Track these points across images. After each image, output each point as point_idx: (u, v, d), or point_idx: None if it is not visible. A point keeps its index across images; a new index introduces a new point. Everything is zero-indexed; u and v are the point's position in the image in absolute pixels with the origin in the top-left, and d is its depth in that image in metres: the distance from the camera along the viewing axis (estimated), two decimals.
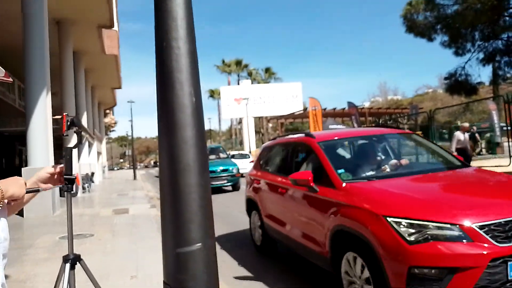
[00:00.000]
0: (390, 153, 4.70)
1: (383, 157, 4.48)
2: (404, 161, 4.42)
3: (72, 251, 2.06)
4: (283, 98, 41.71)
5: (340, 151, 4.77)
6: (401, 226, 2.82)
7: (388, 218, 2.89)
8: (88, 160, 19.39)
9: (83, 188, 15.51)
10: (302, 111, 35.90)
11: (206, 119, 53.39)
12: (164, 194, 1.64)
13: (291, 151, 5.07)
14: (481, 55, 14.91)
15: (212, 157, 15.75)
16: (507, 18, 13.27)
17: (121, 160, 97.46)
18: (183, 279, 1.56)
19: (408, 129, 41.71)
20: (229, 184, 14.51)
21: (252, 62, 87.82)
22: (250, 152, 32.95)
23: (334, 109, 37.42)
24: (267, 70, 54.32)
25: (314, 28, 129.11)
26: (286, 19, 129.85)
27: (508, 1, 12.62)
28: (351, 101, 32.94)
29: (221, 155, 16.85)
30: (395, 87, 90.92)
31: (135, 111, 52.06)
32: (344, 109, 36.07)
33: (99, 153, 26.39)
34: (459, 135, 11.87)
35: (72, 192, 1.98)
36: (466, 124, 13.02)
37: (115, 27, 15.46)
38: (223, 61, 54.23)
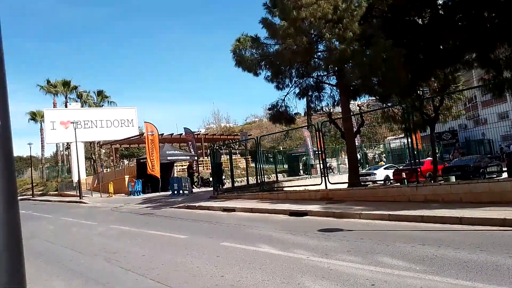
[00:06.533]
0: None
1: None
2: None
3: None
4: (117, 122, 39.97)
5: None
6: None
7: None
8: None
9: None
10: (138, 136, 35.01)
11: (26, 144, 46.72)
12: None
13: None
14: (297, 90, 17.25)
15: None
16: (316, 60, 15.72)
17: None
18: None
19: (240, 153, 44.86)
20: None
21: (83, 84, 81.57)
22: (79, 180, 30.17)
23: (171, 134, 37.67)
24: (99, 93, 51.34)
25: (149, 53, 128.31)
26: (119, 42, 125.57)
27: (317, 46, 15.00)
28: (187, 127, 33.72)
29: None
30: (227, 115, 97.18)
31: None
32: (181, 135, 36.68)
33: None
34: None
35: None
36: None
37: None
38: (48, 81, 48.90)
